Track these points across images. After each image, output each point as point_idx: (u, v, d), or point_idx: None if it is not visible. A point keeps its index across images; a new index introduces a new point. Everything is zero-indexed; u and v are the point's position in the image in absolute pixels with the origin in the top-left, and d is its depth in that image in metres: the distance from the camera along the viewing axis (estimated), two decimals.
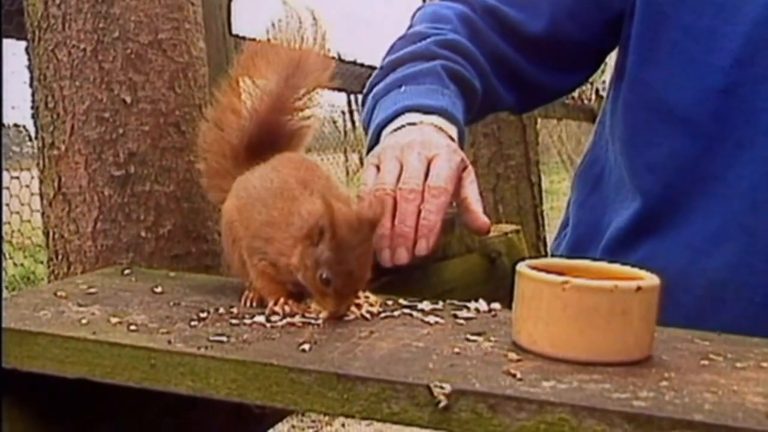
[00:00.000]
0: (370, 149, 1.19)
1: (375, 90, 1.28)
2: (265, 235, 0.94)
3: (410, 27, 1.38)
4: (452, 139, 1.14)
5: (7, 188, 2.82)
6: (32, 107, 1.26)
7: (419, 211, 1.01)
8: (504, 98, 1.38)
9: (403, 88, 1.22)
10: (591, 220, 1.37)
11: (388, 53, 1.34)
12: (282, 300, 0.91)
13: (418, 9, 1.43)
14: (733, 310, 1.16)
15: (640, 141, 1.26)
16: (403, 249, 1.00)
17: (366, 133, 1.30)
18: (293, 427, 4.00)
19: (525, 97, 1.41)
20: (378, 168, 1.07)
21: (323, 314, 0.89)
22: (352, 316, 0.89)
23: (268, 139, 1.06)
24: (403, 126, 1.14)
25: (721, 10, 1.18)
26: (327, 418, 4.08)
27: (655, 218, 1.24)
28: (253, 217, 0.96)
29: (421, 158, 1.05)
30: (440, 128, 1.14)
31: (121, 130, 1.19)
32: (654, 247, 1.24)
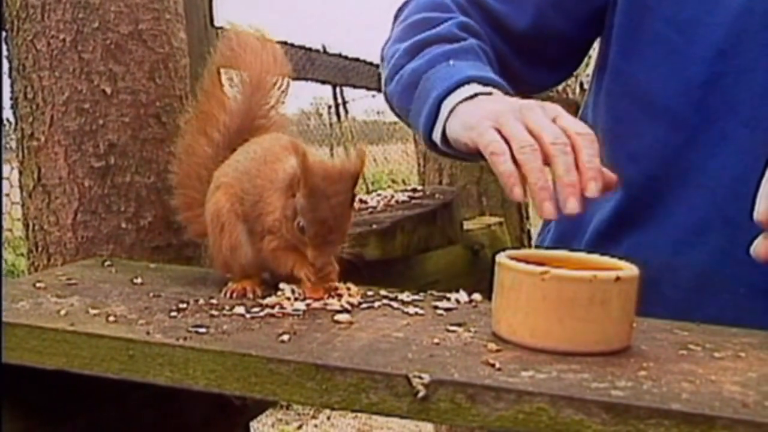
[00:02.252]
0: (431, 122, 1.14)
1: (410, 67, 1.23)
2: (258, 212, 0.94)
3: (405, 18, 1.34)
4: None
5: None
6: (11, 98, 1.25)
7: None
8: None
9: (452, 62, 1.18)
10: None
11: (398, 41, 1.28)
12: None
13: (405, 3, 1.40)
14: (718, 301, 1.16)
15: (623, 132, 1.26)
16: (573, 199, 0.96)
17: (398, 113, 1.28)
18: (278, 420, 4.00)
19: (510, 87, 1.40)
20: (498, 131, 1.03)
21: (298, 304, 0.89)
22: (332, 306, 0.88)
23: None
24: (475, 95, 1.11)
25: (703, 1, 1.18)
26: (312, 411, 4.07)
27: (638, 210, 1.24)
28: (244, 197, 0.96)
29: (547, 116, 1.02)
30: None
31: (101, 121, 1.18)
32: (637, 239, 1.24)
